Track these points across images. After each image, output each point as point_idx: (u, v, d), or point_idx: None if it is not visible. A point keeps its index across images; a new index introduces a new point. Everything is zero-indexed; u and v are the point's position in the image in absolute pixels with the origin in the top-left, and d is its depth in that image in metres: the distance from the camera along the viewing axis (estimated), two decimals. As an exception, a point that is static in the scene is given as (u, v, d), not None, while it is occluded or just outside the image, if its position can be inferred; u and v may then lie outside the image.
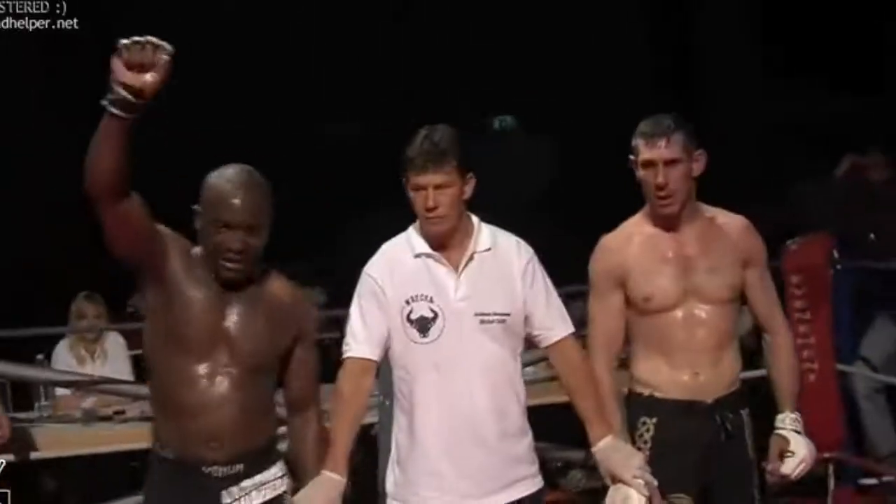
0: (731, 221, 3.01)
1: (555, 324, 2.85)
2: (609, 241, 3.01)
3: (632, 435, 2.93)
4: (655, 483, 2.74)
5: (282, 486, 2.64)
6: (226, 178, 2.51)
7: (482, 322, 2.73)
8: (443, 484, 2.74)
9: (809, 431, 4.73)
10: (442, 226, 2.72)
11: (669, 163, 2.86)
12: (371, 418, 4.28)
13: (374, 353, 2.76)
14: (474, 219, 2.81)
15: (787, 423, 2.97)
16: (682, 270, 2.92)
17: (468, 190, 2.74)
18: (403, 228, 2.82)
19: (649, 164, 2.87)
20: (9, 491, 2.55)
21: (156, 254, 2.48)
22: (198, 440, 2.50)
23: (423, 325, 2.72)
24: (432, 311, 2.72)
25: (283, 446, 2.74)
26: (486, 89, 9.10)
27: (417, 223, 2.79)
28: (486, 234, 2.80)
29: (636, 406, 2.99)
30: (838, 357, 4.96)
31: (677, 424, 2.92)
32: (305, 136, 8.81)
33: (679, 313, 2.91)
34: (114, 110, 2.19)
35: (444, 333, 2.72)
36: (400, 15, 9.45)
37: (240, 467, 2.55)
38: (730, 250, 2.96)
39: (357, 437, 2.76)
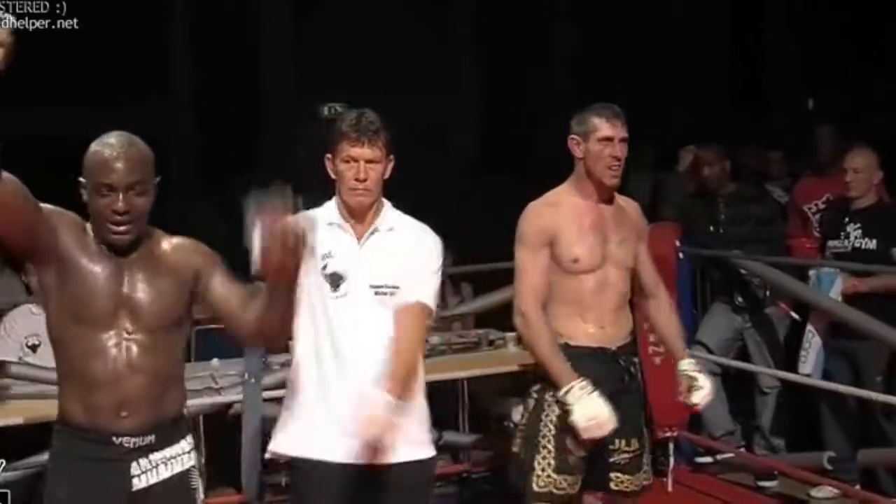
0: (628, 204, 3.42)
1: (419, 294, 2.92)
2: (539, 205, 3.34)
3: None
4: None
5: (189, 461, 2.61)
6: (105, 143, 2.48)
7: (376, 293, 2.90)
8: (346, 430, 2.83)
9: (655, 412, 4.95)
10: (367, 198, 2.89)
11: (623, 140, 3.27)
12: (234, 396, 4.25)
13: None
14: (384, 200, 2.98)
15: (689, 365, 3.40)
16: (602, 239, 3.26)
17: (388, 171, 2.92)
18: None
19: (608, 139, 3.22)
20: (8, 491, 2.44)
21: (43, 233, 2.42)
22: (108, 411, 2.47)
23: (335, 281, 2.89)
24: (341, 271, 2.90)
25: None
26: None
27: (335, 199, 2.96)
28: (392, 215, 2.98)
29: None
30: (679, 342, 5.13)
31: (589, 367, 3.26)
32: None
33: (596, 276, 3.28)
34: None
35: (348, 294, 2.89)
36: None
37: (150, 438, 2.52)
38: (632, 227, 3.37)
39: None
